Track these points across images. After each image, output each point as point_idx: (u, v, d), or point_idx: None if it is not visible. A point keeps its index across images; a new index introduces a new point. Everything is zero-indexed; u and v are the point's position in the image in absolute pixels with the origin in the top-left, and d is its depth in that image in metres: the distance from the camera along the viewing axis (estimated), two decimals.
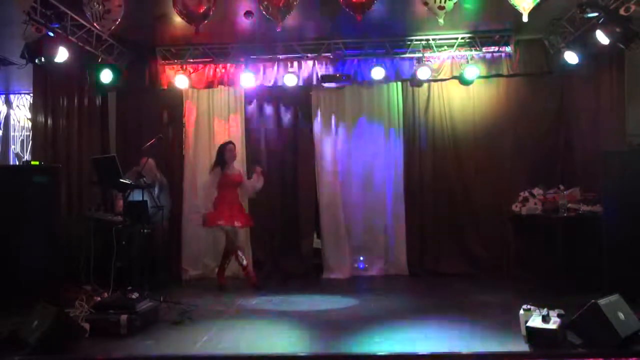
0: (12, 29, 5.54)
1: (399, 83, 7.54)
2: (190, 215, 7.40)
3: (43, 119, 6.69)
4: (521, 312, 4.35)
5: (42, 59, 5.56)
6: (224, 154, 6.72)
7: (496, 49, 7.16)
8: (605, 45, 5.67)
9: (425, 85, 7.51)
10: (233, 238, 6.64)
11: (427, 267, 7.37)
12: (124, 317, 4.66)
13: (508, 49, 7.12)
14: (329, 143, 7.61)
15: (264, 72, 7.37)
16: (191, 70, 7.36)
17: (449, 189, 7.50)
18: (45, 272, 5.43)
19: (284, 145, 7.74)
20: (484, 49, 7.13)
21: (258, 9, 5.50)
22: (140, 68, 7.38)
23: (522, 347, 4.14)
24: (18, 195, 5.48)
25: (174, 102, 7.69)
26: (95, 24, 5.34)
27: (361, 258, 7.55)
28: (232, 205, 6.65)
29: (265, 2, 5.22)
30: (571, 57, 6.47)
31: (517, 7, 5.22)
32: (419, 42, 7.12)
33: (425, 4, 5.30)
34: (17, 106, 8.56)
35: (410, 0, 5.79)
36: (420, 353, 4.16)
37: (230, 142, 6.90)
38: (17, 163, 8.45)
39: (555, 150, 7.31)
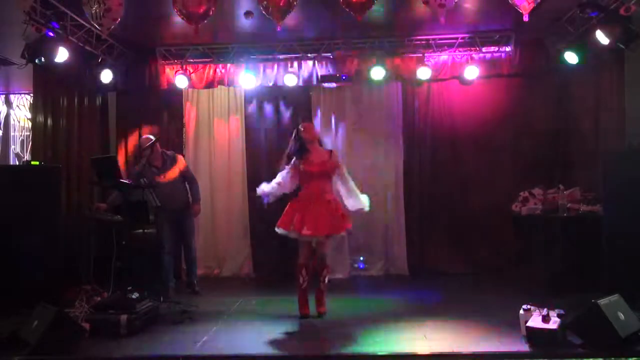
0: (12, 29, 5.52)
1: (399, 83, 7.54)
2: None
3: (43, 119, 6.68)
4: (521, 312, 4.36)
5: (42, 59, 5.56)
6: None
7: (496, 49, 7.16)
8: (605, 45, 5.67)
9: (425, 85, 7.51)
10: (303, 248, 5.34)
11: (427, 267, 7.37)
12: (124, 317, 4.66)
13: (508, 49, 7.12)
14: (329, 143, 7.58)
15: (264, 72, 7.35)
16: (191, 70, 7.35)
17: (449, 188, 7.49)
18: (45, 272, 5.43)
19: (284, 145, 7.71)
20: (484, 49, 7.12)
21: (258, 9, 5.50)
22: (140, 68, 7.37)
23: (522, 347, 4.15)
24: (18, 195, 5.48)
25: (174, 102, 7.70)
26: (94, 23, 5.32)
27: (361, 258, 7.55)
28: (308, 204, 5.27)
29: (265, 2, 5.20)
30: (571, 57, 6.46)
31: (517, 7, 5.21)
32: (419, 42, 7.11)
33: (426, 2, 5.29)
34: (17, 106, 8.54)
35: (410, 0, 5.78)
36: (420, 353, 4.16)
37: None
38: (17, 163, 8.43)
39: (555, 150, 7.31)
